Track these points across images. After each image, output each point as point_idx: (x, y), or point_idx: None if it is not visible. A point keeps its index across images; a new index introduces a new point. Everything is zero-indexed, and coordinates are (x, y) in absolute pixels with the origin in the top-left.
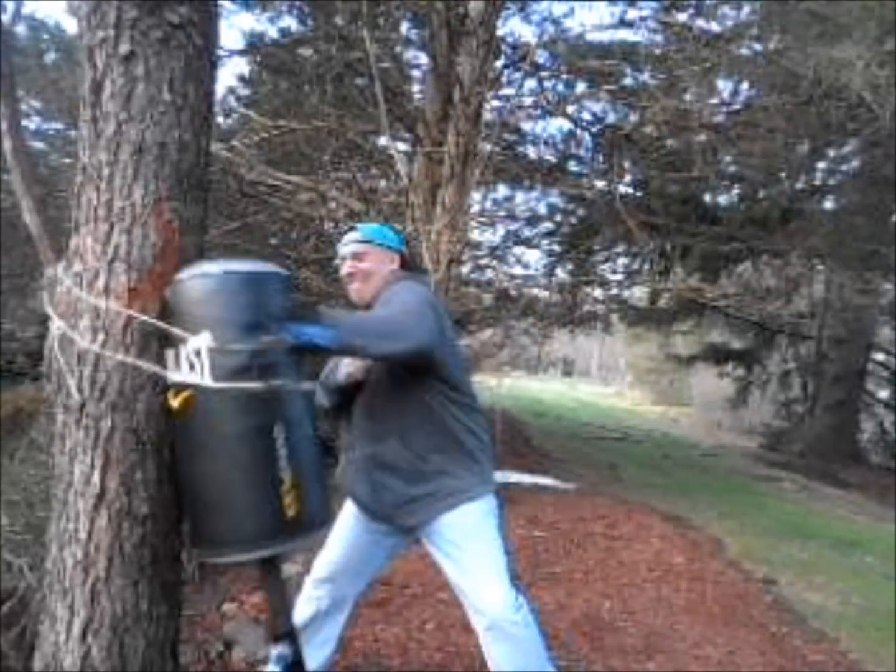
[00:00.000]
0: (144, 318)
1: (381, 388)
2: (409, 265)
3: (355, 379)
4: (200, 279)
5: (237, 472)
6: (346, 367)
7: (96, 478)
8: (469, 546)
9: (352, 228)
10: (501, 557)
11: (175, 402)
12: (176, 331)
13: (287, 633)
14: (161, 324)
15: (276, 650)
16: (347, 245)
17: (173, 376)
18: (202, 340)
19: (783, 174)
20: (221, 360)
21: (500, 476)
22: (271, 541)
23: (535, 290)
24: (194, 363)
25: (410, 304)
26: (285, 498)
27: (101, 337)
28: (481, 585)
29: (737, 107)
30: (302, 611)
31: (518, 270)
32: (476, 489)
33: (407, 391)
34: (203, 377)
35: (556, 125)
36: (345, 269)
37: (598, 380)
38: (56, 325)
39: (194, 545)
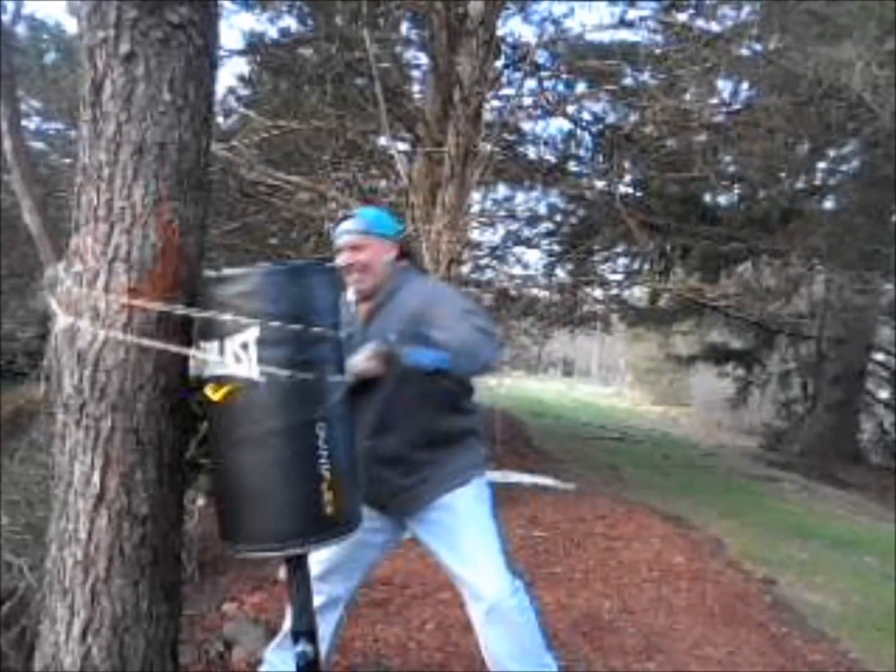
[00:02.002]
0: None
1: (389, 384)
2: (407, 253)
3: (370, 376)
4: (249, 274)
5: (279, 467)
6: (363, 363)
7: (96, 478)
8: (463, 530)
9: (347, 217)
10: (496, 540)
11: (216, 396)
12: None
13: (308, 632)
14: (184, 312)
15: (298, 648)
16: (344, 235)
17: (217, 370)
18: (250, 334)
19: (783, 174)
20: (268, 353)
21: (500, 476)
22: (309, 537)
23: (535, 290)
24: (241, 356)
25: (478, 315)
26: (325, 495)
27: (101, 337)
28: (477, 569)
29: (737, 107)
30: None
31: (518, 270)
32: (468, 472)
33: (415, 386)
34: (251, 370)
35: (556, 125)
36: (342, 259)
37: (598, 380)
38: (62, 322)
39: (229, 539)
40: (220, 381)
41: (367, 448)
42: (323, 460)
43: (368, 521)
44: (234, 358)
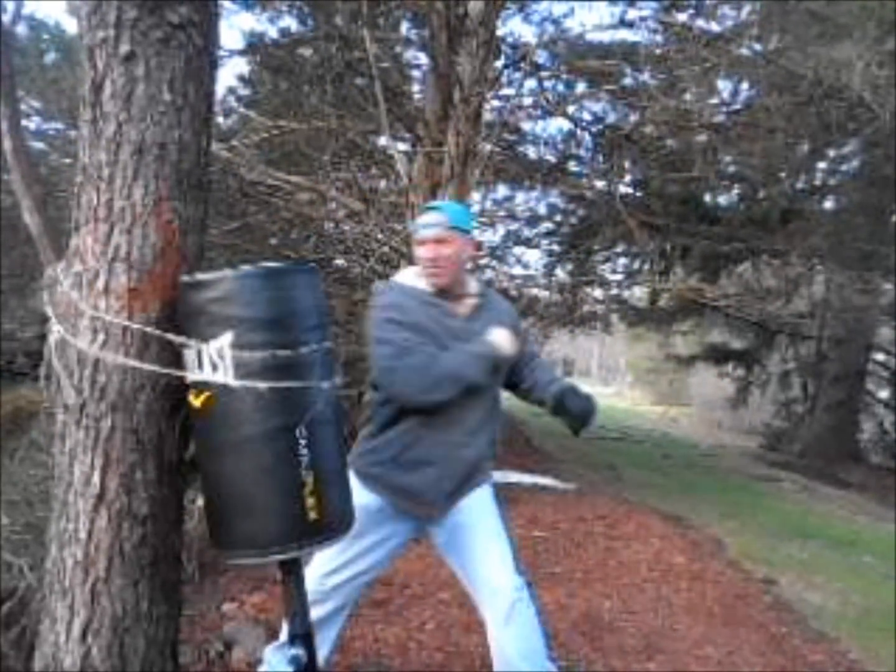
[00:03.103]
0: (148, 328)
1: (489, 390)
2: (480, 251)
3: (508, 355)
4: (222, 278)
5: (259, 473)
6: (509, 345)
7: (96, 478)
8: (485, 526)
9: (434, 208)
10: (508, 538)
11: (197, 402)
12: (174, 338)
13: (304, 635)
14: (170, 336)
15: (292, 651)
16: (431, 228)
17: (195, 376)
18: (225, 340)
19: (783, 174)
20: (245, 359)
21: (500, 476)
22: (292, 543)
23: (535, 290)
24: (217, 363)
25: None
26: (307, 500)
27: (101, 337)
28: (494, 564)
29: (737, 107)
30: None
31: (518, 270)
32: (490, 472)
33: (493, 395)
34: (227, 377)
35: (556, 125)
36: (425, 252)
37: (598, 380)
38: (55, 328)
39: (215, 546)
40: (198, 387)
41: (461, 443)
42: (305, 465)
43: (388, 527)
44: (211, 365)
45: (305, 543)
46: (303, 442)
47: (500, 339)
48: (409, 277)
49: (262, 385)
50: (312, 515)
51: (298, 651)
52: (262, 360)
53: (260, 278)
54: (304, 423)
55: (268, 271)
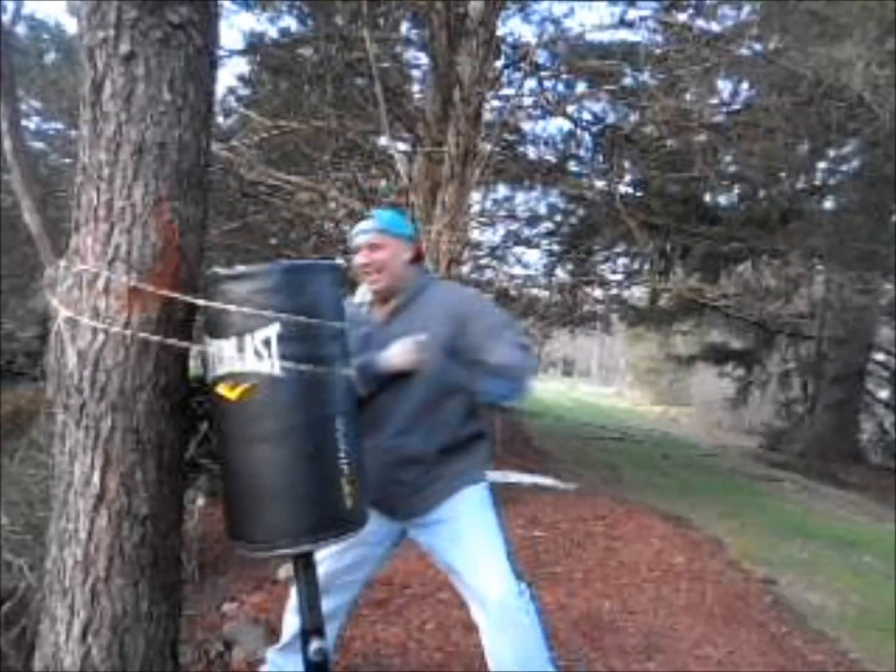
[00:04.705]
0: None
1: (419, 385)
2: (422, 256)
3: (406, 368)
4: (270, 270)
5: (301, 463)
6: (401, 356)
7: (96, 478)
8: (469, 532)
9: (364, 218)
10: (502, 544)
11: (232, 395)
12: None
13: (319, 629)
14: (187, 343)
15: (314, 645)
16: (361, 235)
17: (234, 367)
18: (272, 330)
19: (783, 174)
20: (290, 349)
21: (500, 476)
22: (328, 532)
23: (535, 290)
24: (262, 353)
25: (513, 327)
26: (346, 488)
27: (101, 337)
28: (483, 572)
29: (737, 107)
30: (292, 623)
31: (518, 270)
32: (475, 473)
33: (444, 391)
34: (273, 367)
35: (556, 125)
36: (359, 259)
37: (598, 380)
38: (61, 318)
39: (243, 539)
40: (236, 378)
41: (388, 448)
42: (342, 454)
43: (371, 534)
44: (255, 355)
45: (336, 533)
46: (341, 429)
47: (392, 353)
48: (360, 293)
49: (306, 374)
50: (349, 503)
51: (321, 644)
52: (306, 350)
53: (305, 272)
54: (340, 413)
55: (310, 266)
